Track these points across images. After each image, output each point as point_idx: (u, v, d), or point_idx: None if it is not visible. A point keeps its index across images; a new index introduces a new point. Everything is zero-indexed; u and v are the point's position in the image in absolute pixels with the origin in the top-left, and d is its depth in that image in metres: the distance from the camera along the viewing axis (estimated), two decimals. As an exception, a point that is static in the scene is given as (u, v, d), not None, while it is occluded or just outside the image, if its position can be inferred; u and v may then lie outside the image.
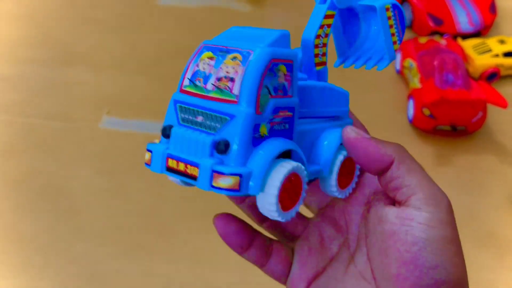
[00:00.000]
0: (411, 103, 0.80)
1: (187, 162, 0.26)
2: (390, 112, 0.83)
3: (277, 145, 0.27)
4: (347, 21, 0.35)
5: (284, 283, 0.36)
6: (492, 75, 0.86)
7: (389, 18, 0.32)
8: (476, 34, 0.93)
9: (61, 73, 0.89)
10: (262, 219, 0.37)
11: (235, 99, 0.26)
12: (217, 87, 0.27)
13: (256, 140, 0.26)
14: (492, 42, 0.88)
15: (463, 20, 0.92)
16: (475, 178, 0.76)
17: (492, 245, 0.69)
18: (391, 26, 0.33)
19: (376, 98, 0.86)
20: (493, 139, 0.80)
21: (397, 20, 0.33)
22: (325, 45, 0.32)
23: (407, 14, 0.96)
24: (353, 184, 0.34)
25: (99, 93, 0.86)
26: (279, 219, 0.27)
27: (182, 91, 0.29)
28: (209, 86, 0.27)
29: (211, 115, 0.27)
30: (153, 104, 0.83)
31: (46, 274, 0.64)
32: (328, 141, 0.32)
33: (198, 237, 0.68)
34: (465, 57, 0.86)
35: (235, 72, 0.26)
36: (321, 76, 0.33)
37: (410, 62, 0.84)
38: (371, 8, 0.33)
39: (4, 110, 0.83)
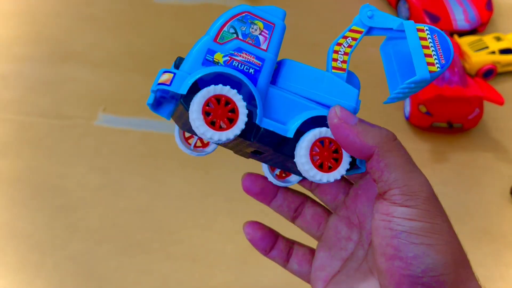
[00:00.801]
0: (407, 100, 0.80)
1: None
2: (386, 109, 0.83)
3: (214, 68, 0.30)
4: (399, 57, 0.36)
5: (307, 281, 0.38)
6: (489, 72, 0.86)
7: (423, 38, 0.33)
8: (473, 31, 0.93)
9: (57, 71, 0.89)
10: (293, 217, 0.39)
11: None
12: None
13: (207, 62, 0.31)
14: (488, 39, 0.88)
15: (460, 17, 0.92)
16: (471, 174, 0.76)
17: (488, 241, 0.69)
18: (425, 47, 0.33)
19: (373, 95, 0.86)
20: (490, 136, 0.80)
21: (436, 44, 0.33)
22: (347, 54, 0.34)
23: (404, 11, 0.96)
24: (341, 171, 0.33)
25: (95, 90, 0.86)
26: (205, 135, 0.30)
27: None
28: None
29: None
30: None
31: (43, 272, 0.64)
32: (305, 112, 0.32)
33: (194, 234, 0.68)
34: (461, 54, 0.86)
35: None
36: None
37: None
38: (402, 27, 0.34)
39: (0, 108, 0.83)
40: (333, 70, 0.34)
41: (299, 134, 0.32)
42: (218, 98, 0.30)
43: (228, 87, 0.30)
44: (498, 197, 0.74)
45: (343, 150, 0.32)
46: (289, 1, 1.01)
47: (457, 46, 0.86)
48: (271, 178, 0.37)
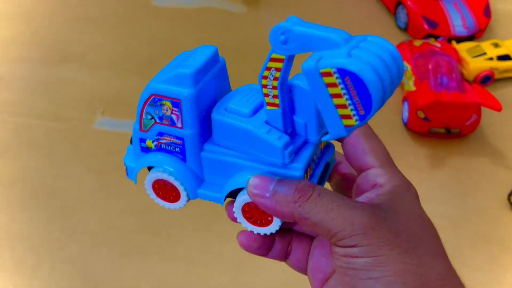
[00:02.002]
0: (406, 105, 0.81)
1: None
2: (385, 114, 0.83)
3: (145, 162, 0.33)
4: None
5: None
6: (486, 78, 0.87)
7: (331, 85, 0.25)
8: (471, 37, 0.93)
9: (55, 73, 0.89)
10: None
11: None
12: None
13: (144, 149, 0.33)
14: (486, 46, 0.89)
15: (458, 23, 0.93)
16: (469, 180, 0.76)
17: (486, 246, 0.69)
18: (337, 95, 0.26)
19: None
20: (487, 142, 0.81)
21: (350, 89, 0.25)
22: (275, 87, 0.29)
23: (402, 17, 0.96)
24: (273, 228, 0.32)
25: (92, 92, 0.86)
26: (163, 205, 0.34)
27: None
28: None
29: None
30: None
31: (40, 274, 0.64)
32: (235, 179, 0.31)
33: (192, 237, 0.68)
34: (459, 60, 0.86)
35: None
36: (272, 117, 0.30)
37: (405, 64, 0.85)
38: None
39: (-3, 109, 0.83)
40: (268, 107, 0.30)
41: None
42: (161, 181, 0.33)
43: (160, 171, 0.32)
44: (495, 202, 0.74)
45: None
46: (288, 5, 1.02)
47: (455, 52, 0.87)
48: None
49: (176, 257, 0.66)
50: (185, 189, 0.33)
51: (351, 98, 0.25)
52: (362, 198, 0.31)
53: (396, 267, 0.28)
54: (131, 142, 0.34)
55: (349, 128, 0.26)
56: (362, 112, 0.26)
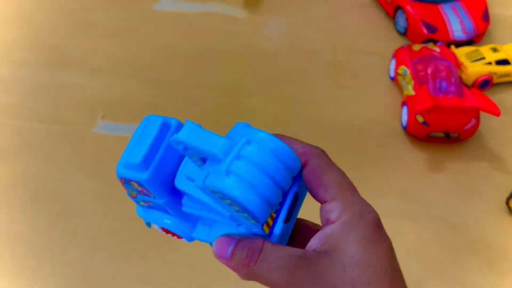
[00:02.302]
0: (405, 110, 0.81)
1: None
2: (384, 118, 0.84)
3: (147, 216, 0.35)
4: None
5: None
6: (485, 83, 0.87)
7: (223, 197, 0.27)
8: (469, 42, 0.94)
9: (55, 76, 0.89)
10: None
11: None
12: None
13: (143, 206, 0.34)
14: (485, 50, 0.89)
15: (457, 28, 0.93)
16: (467, 184, 0.77)
17: (484, 250, 0.70)
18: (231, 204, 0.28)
19: (371, 104, 0.87)
20: (486, 146, 0.81)
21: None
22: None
23: (401, 22, 0.97)
24: None
25: (93, 97, 0.86)
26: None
27: None
28: None
29: None
30: (148, 108, 0.83)
31: (40, 278, 0.64)
32: (213, 232, 0.33)
33: (192, 242, 0.68)
34: (458, 65, 0.87)
35: None
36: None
37: (404, 69, 0.85)
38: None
39: (-2, 113, 0.83)
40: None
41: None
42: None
43: (156, 228, 0.35)
44: (493, 206, 0.74)
45: None
46: (288, 10, 1.02)
47: (454, 57, 0.87)
48: None
49: (177, 262, 0.66)
50: (183, 236, 0.35)
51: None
52: (310, 243, 0.30)
53: None
54: None
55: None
56: (254, 222, 0.28)
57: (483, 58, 0.88)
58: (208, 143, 0.27)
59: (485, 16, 0.95)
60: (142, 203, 0.34)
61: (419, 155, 0.80)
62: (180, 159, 0.31)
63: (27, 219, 0.70)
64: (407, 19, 0.95)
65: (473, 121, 0.78)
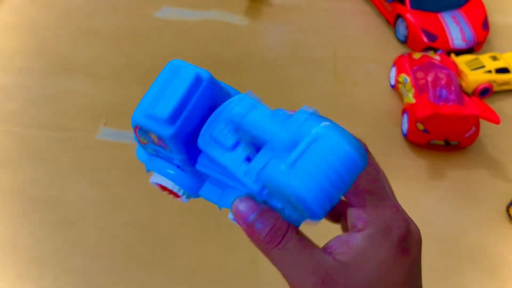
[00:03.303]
0: (405, 117, 0.82)
1: None
2: (384, 126, 0.84)
3: (151, 164, 0.34)
4: None
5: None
6: (485, 91, 0.88)
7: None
8: (469, 50, 0.94)
9: (58, 83, 0.90)
10: None
11: None
12: None
13: (150, 154, 0.34)
14: (485, 58, 0.90)
15: (457, 36, 0.94)
16: (467, 191, 0.77)
17: (484, 258, 0.70)
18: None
19: (371, 112, 0.87)
20: (486, 154, 0.81)
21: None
22: None
23: (402, 30, 0.97)
24: None
25: (96, 103, 0.87)
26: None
27: None
28: None
29: None
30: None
31: (42, 285, 0.65)
32: (227, 197, 0.32)
33: (194, 248, 0.69)
34: (458, 73, 0.87)
35: None
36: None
37: (404, 77, 0.86)
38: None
39: (0, 120, 0.84)
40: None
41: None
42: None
43: (159, 177, 0.33)
44: (494, 214, 0.74)
45: None
46: (289, 18, 1.03)
47: (454, 65, 0.88)
48: None
49: (178, 270, 0.67)
50: (184, 193, 0.34)
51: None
52: (332, 245, 0.29)
53: None
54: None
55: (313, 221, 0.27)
56: (307, 215, 0.26)
57: (483, 66, 0.88)
58: (270, 133, 0.26)
59: (485, 25, 0.96)
60: (149, 150, 0.33)
61: (419, 162, 0.80)
62: (205, 117, 0.30)
63: (30, 227, 0.70)
64: (407, 27, 0.96)
65: (473, 129, 0.78)
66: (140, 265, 0.67)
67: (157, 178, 0.33)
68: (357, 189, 0.29)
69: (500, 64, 0.89)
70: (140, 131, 0.30)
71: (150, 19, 1.02)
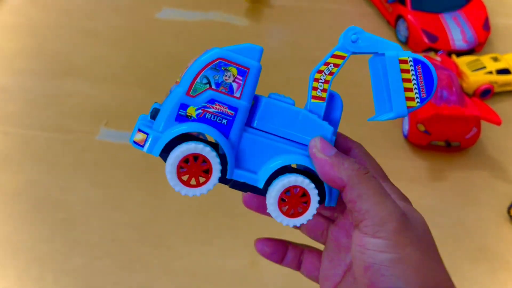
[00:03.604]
0: (406, 118, 0.81)
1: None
2: (385, 127, 0.84)
3: (188, 126, 0.31)
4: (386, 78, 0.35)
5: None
6: (486, 92, 0.87)
7: (404, 71, 0.32)
8: (470, 51, 0.94)
9: (59, 85, 0.90)
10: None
11: (178, 81, 0.32)
12: (181, 75, 0.32)
13: (180, 117, 0.31)
14: (485, 59, 0.90)
15: (458, 37, 0.94)
16: (468, 193, 0.77)
17: (485, 260, 0.70)
18: (406, 80, 0.32)
19: (372, 113, 0.87)
20: (487, 155, 0.81)
21: (419, 76, 0.32)
22: (327, 82, 0.34)
23: (402, 31, 0.97)
24: (308, 216, 0.33)
25: (96, 105, 0.87)
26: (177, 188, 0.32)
27: (175, 82, 0.34)
28: (181, 74, 0.33)
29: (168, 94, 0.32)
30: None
31: (43, 286, 0.64)
32: (278, 160, 0.33)
33: (194, 249, 0.69)
34: (459, 74, 0.87)
35: (190, 63, 0.32)
36: (315, 109, 0.34)
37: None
38: (382, 56, 0.33)
39: (1, 121, 0.84)
40: (313, 100, 0.34)
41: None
42: (195, 156, 0.31)
43: (201, 145, 0.31)
44: (495, 215, 0.74)
45: (310, 195, 0.33)
46: (290, 19, 1.03)
47: (455, 66, 0.87)
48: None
49: (179, 271, 0.67)
50: (220, 168, 0.31)
51: (418, 83, 0.32)
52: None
53: (416, 267, 0.30)
54: (151, 116, 0.32)
55: (410, 109, 0.33)
56: (424, 96, 0.32)
57: (484, 67, 0.88)
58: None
59: (486, 26, 0.96)
60: (189, 110, 0.31)
61: (420, 163, 0.80)
62: None
63: (30, 228, 0.70)
64: (408, 28, 0.96)
65: (474, 130, 0.78)
66: (140, 266, 0.67)
67: (189, 147, 0.31)
68: (375, 170, 0.36)
69: (501, 65, 0.89)
70: (213, 68, 0.31)
71: (151, 20, 1.02)
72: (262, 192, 0.33)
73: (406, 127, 0.81)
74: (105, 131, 0.82)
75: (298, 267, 0.39)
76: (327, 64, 0.33)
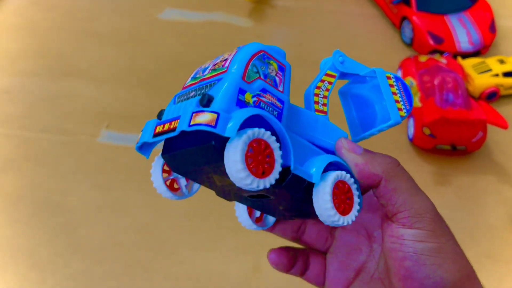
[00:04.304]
0: (411, 122, 0.80)
1: (171, 120, 0.28)
2: (390, 130, 0.83)
3: (258, 110, 0.28)
4: (358, 102, 0.38)
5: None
6: (492, 95, 0.86)
7: (391, 85, 0.36)
8: (476, 53, 0.93)
9: (60, 86, 0.89)
10: (294, 238, 0.40)
11: (225, 70, 0.29)
12: (212, 69, 0.30)
13: (240, 102, 0.28)
14: (491, 62, 0.88)
15: (463, 39, 0.93)
16: (474, 197, 0.76)
17: (491, 265, 0.69)
18: (394, 93, 0.36)
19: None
20: (493, 159, 0.80)
21: (401, 91, 0.36)
22: (325, 97, 0.35)
23: (407, 32, 0.96)
24: (355, 212, 0.32)
25: (98, 106, 0.86)
26: (244, 181, 0.27)
27: (183, 87, 0.32)
28: (206, 72, 0.30)
29: (202, 87, 0.29)
30: (153, 118, 0.83)
31: (42, 291, 0.64)
32: (323, 157, 0.33)
33: (196, 254, 0.68)
34: (465, 76, 0.86)
35: (230, 55, 0.30)
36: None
37: (410, 80, 0.84)
38: (372, 74, 0.36)
39: (2, 123, 0.83)
40: (316, 113, 0.34)
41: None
42: (257, 142, 0.27)
43: (269, 132, 0.28)
44: (501, 220, 0.73)
45: (353, 191, 0.32)
46: (293, 20, 1.02)
47: (461, 68, 0.86)
48: (249, 223, 0.38)
49: (180, 276, 0.66)
50: (281, 161, 0.28)
51: (401, 96, 0.36)
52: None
53: (453, 256, 0.31)
54: (204, 104, 0.28)
55: (402, 118, 0.35)
56: (408, 107, 0.36)
57: (490, 70, 0.87)
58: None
59: (492, 28, 0.95)
60: (247, 96, 0.28)
61: (425, 167, 0.79)
62: None
63: (31, 232, 0.70)
64: (413, 30, 0.95)
65: (480, 134, 0.77)
66: (142, 270, 0.66)
67: (256, 132, 0.27)
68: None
69: (507, 67, 0.87)
70: (260, 59, 0.30)
71: (154, 21, 1.01)
72: (309, 195, 0.31)
73: (411, 130, 0.80)
74: (106, 133, 0.82)
75: (303, 273, 0.39)
76: (322, 81, 0.35)
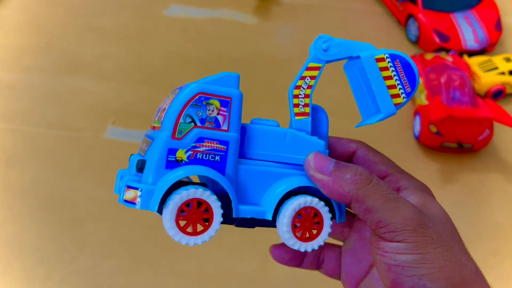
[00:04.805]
0: (417, 119, 0.80)
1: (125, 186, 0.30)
2: (396, 128, 0.83)
3: (184, 170, 0.29)
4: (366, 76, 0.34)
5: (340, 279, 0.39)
6: (498, 93, 0.86)
7: (383, 68, 0.32)
8: (482, 51, 0.93)
9: (66, 82, 0.89)
10: None
11: (160, 126, 0.29)
12: (159, 118, 0.30)
13: (171, 163, 0.29)
14: (498, 60, 0.88)
15: (469, 37, 0.92)
16: (480, 195, 0.76)
17: (497, 264, 0.69)
18: (388, 78, 0.32)
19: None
20: (499, 157, 0.80)
21: (399, 71, 0.32)
22: (307, 96, 0.32)
23: (413, 30, 0.96)
24: (324, 236, 0.32)
25: (103, 102, 0.86)
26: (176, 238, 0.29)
27: (151, 126, 0.33)
28: (156, 117, 0.31)
29: (148, 141, 0.30)
30: (158, 115, 0.83)
31: (50, 286, 0.64)
32: (281, 185, 0.31)
33: (203, 251, 0.68)
34: (471, 74, 0.86)
35: (168, 104, 0.30)
36: (301, 126, 0.33)
37: (416, 78, 0.84)
38: (358, 59, 0.32)
39: (8, 119, 0.83)
40: (296, 117, 0.33)
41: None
42: (195, 202, 0.29)
43: (200, 189, 0.29)
44: (507, 218, 0.73)
45: (322, 213, 0.32)
46: (298, 17, 1.02)
47: (467, 66, 0.86)
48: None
49: (187, 272, 0.66)
50: (221, 212, 0.30)
51: (399, 79, 0.31)
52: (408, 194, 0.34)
53: (440, 264, 0.30)
54: (138, 169, 0.30)
55: (398, 106, 0.32)
56: (408, 90, 0.32)
57: (496, 68, 0.87)
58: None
59: (498, 26, 0.95)
60: (179, 154, 0.29)
61: (431, 165, 0.79)
62: None
63: (37, 227, 0.69)
64: (419, 28, 0.95)
65: (487, 131, 0.77)
66: (148, 266, 0.66)
67: (189, 192, 0.29)
68: (385, 162, 0.37)
69: (513, 66, 0.87)
70: (195, 105, 0.29)
71: (159, 18, 1.01)
72: (272, 223, 0.32)
73: (417, 128, 0.80)
74: (112, 129, 0.81)
75: (318, 266, 0.39)
76: (303, 78, 0.33)
